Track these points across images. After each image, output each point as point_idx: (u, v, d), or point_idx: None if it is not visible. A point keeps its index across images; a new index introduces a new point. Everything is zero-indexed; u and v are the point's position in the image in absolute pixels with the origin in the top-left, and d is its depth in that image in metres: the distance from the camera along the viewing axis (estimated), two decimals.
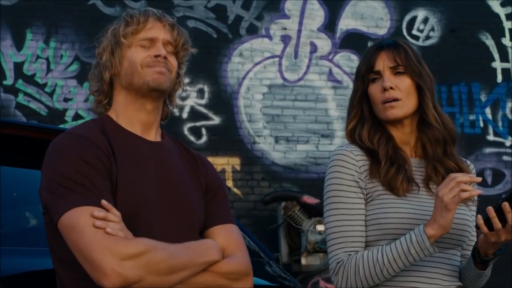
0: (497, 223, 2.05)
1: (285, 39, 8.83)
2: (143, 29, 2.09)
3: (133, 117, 2.11)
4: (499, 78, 9.30)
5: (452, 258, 2.26)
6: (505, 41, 9.35)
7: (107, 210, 1.92)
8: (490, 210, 2.06)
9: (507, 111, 9.24)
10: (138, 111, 2.10)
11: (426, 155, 2.30)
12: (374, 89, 2.29)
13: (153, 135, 2.14)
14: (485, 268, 2.21)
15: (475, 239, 2.30)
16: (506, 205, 2.04)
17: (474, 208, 2.36)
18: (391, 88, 2.24)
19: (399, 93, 2.25)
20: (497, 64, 9.29)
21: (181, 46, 2.14)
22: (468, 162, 2.39)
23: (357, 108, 2.32)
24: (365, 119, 2.31)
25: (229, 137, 8.50)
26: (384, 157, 2.23)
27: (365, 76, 2.30)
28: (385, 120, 2.29)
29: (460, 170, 2.28)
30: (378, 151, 2.25)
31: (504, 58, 9.32)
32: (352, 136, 2.30)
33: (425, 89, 2.26)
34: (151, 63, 2.06)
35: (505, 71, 9.30)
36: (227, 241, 2.10)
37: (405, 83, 2.26)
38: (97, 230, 1.87)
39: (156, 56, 2.07)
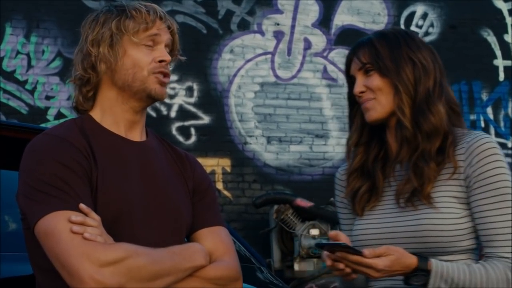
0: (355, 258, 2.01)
1: (278, 35, 8.87)
2: (152, 28, 2.07)
3: (119, 116, 2.08)
4: (501, 76, 9.37)
5: None
6: (508, 38, 9.44)
7: (86, 215, 1.88)
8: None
9: (509, 110, 9.36)
10: (126, 111, 2.08)
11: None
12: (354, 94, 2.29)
13: (138, 135, 2.10)
14: None
15: (463, 238, 2.12)
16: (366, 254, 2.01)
17: (446, 207, 2.13)
18: (362, 92, 2.21)
19: (370, 94, 2.21)
20: (499, 62, 9.36)
21: (175, 51, 2.14)
22: (470, 139, 2.14)
23: (353, 118, 2.30)
24: (359, 129, 2.29)
25: (219, 137, 8.52)
26: (349, 173, 2.27)
27: (348, 82, 2.30)
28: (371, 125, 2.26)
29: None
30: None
31: (506, 55, 9.39)
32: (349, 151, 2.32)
33: (398, 84, 2.18)
34: (155, 69, 2.05)
35: (507, 69, 9.40)
36: (214, 245, 2.05)
37: (373, 80, 2.20)
38: (74, 236, 1.84)
39: (160, 61, 2.06)
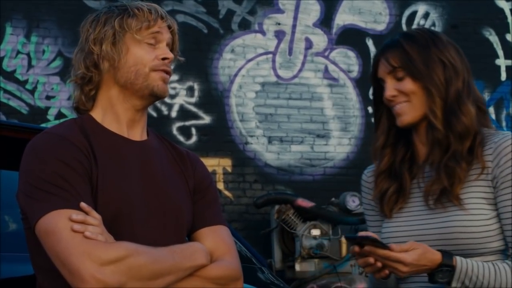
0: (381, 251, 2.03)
1: (279, 35, 8.86)
2: (153, 26, 2.10)
3: (121, 115, 2.09)
4: (503, 76, 9.34)
5: None
6: (510, 37, 9.40)
7: (87, 213, 1.88)
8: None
9: (511, 110, 9.36)
10: (127, 109, 2.09)
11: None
12: (384, 98, 2.24)
13: (138, 134, 2.11)
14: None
15: (493, 240, 2.12)
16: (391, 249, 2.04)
17: (474, 208, 2.11)
18: (394, 96, 2.19)
19: (403, 97, 2.18)
20: (501, 62, 9.32)
21: (175, 51, 2.16)
22: (498, 139, 2.13)
23: (379, 120, 2.28)
24: (385, 131, 2.26)
25: (220, 137, 8.51)
26: (377, 175, 2.25)
27: (374, 84, 2.27)
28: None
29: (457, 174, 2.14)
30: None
31: (508, 55, 9.36)
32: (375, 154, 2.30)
33: (430, 87, 2.16)
34: (158, 67, 2.08)
35: (509, 68, 9.36)
36: (215, 244, 2.05)
37: (405, 85, 2.18)
38: (75, 234, 1.84)
39: (163, 59, 2.08)
